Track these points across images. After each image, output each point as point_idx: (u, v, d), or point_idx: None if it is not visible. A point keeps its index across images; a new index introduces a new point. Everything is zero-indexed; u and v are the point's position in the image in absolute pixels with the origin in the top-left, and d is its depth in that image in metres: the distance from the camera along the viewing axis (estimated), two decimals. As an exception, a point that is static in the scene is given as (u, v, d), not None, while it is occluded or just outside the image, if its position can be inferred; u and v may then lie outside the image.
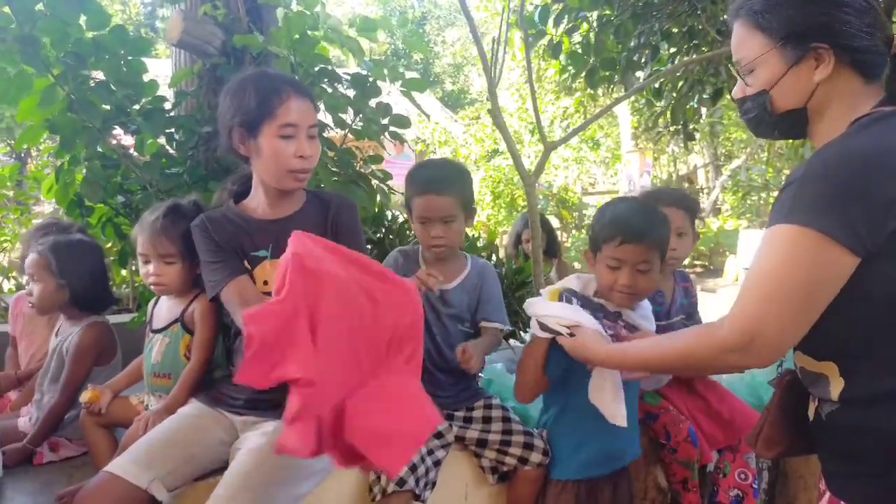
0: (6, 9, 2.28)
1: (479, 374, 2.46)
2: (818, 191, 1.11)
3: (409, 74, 2.93)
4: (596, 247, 1.86)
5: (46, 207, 6.86)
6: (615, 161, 13.62)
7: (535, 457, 2.02)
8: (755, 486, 2.28)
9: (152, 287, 2.00)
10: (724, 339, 1.17)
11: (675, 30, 4.36)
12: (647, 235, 1.79)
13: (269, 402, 1.84)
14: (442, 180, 2.01)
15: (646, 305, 2.00)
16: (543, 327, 1.73)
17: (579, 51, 4.54)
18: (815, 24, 1.22)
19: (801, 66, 1.23)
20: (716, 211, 12.49)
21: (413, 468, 1.85)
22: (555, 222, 10.67)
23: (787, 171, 10.47)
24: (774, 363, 1.22)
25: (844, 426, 1.18)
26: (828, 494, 1.20)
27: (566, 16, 4.30)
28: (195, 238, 1.86)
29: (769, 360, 1.17)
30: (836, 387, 1.17)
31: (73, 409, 2.12)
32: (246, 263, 1.84)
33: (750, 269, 1.18)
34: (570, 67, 4.74)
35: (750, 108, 1.32)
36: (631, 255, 1.79)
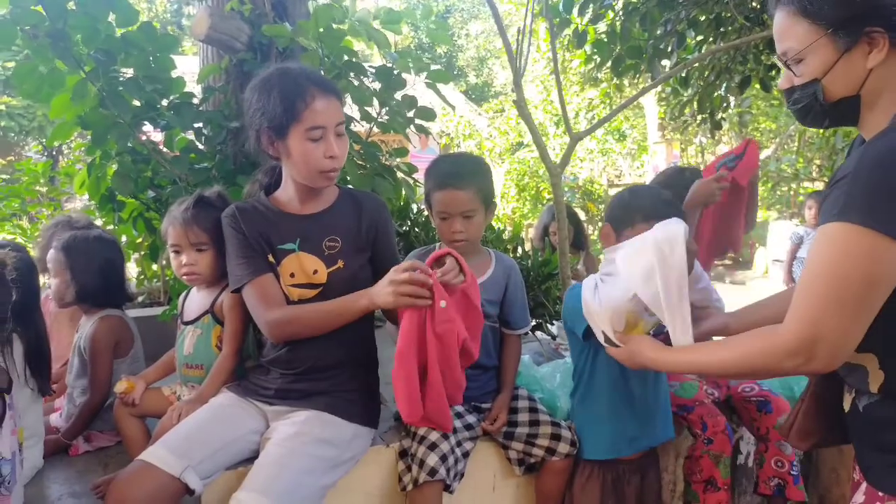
0: (38, 7, 2.32)
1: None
2: (872, 186, 1.07)
3: (433, 67, 2.91)
4: (627, 224, 1.85)
5: (78, 203, 6.98)
6: (641, 152, 13.48)
7: (563, 447, 2.01)
8: (794, 472, 2.24)
9: (185, 279, 2.03)
10: (785, 345, 1.15)
11: (701, 17, 4.29)
12: (676, 212, 1.79)
13: (299, 392, 1.86)
14: (461, 174, 1.99)
15: (704, 278, 1.98)
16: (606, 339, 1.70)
17: (605, 39, 4.50)
18: (868, 6, 1.16)
19: (855, 51, 1.18)
20: (744, 202, 12.31)
21: (444, 458, 1.86)
22: (581, 215, 10.61)
23: (818, 162, 10.28)
24: (838, 367, 1.18)
25: (883, 418, 1.16)
26: (864, 484, 1.19)
27: (591, 4, 4.26)
28: (225, 228, 1.89)
29: (833, 364, 1.15)
30: (876, 379, 1.16)
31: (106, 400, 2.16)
32: (271, 257, 1.86)
33: (805, 270, 1.16)
34: (595, 57, 4.69)
35: (800, 98, 1.27)
36: None
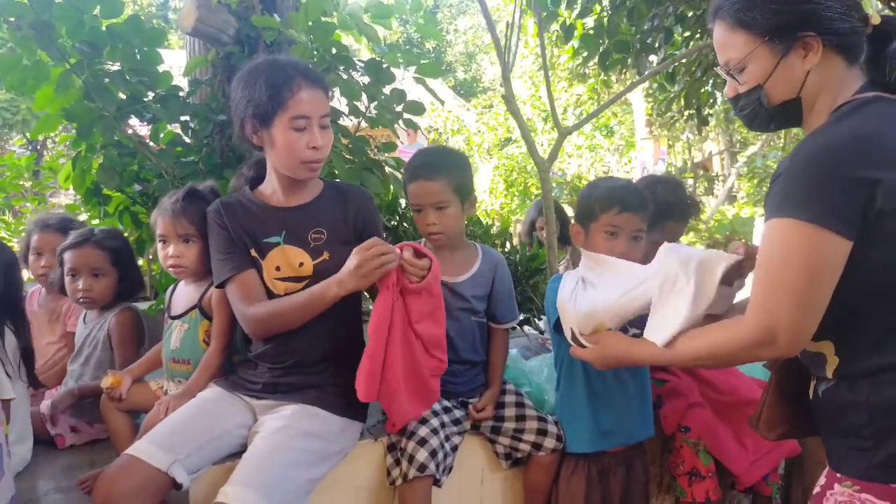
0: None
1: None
2: (804, 181, 1.15)
3: (423, 61, 2.91)
4: (591, 218, 1.92)
5: (63, 198, 6.93)
6: (629, 148, 13.51)
7: (549, 442, 2.02)
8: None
9: (171, 270, 2.03)
10: (746, 335, 1.22)
11: (689, 13, 4.31)
12: (642, 207, 1.91)
13: (287, 386, 1.86)
14: (431, 165, 1.99)
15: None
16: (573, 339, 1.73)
17: (592, 34, 4.50)
18: (799, 14, 1.24)
19: (791, 56, 1.26)
20: (731, 198, 12.38)
21: (433, 454, 1.86)
22: (568, 210, 10.63)
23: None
24: (800, 350, 1.25)
25: (838, 402, 1.21)
26: (827, 468, 1.23)
27: (578, -1, 4.27)
28: (209, 224, 1.90)
29: (794, 349, 1.22)
30: (832, 364, 1.22)
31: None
32: (255, 252, 1.86)
33: (757, 265, 1.23)
34: (582, 51, 4.70)
35: (745, 105, 1.34)
36: (627, 224, 1.88)
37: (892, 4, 3.98)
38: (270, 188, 1.92)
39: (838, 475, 1.19)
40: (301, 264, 1.85)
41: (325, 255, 1.86)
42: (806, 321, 1.17)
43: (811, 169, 1.15)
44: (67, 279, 2.18)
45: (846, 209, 1.11)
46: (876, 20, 1.25)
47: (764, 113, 1.33)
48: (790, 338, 1.18)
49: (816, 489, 1.23)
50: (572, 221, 2.02)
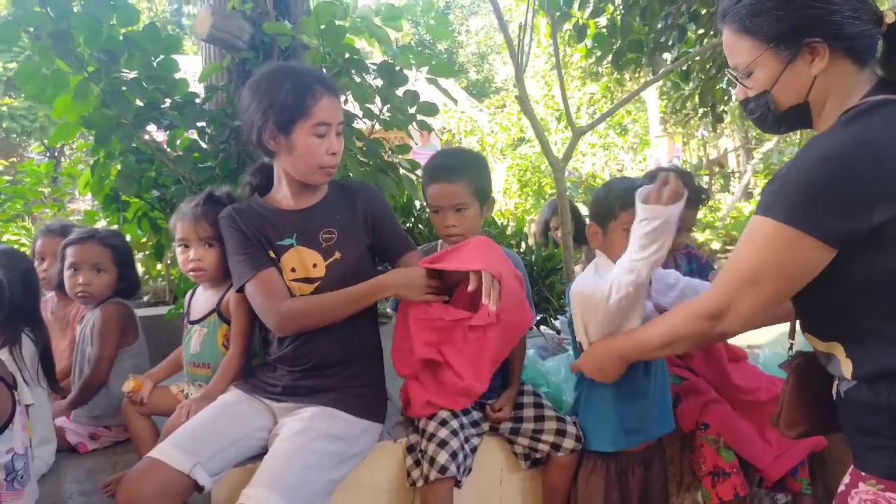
0: (39, 8, 2.32)
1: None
2: (797, 189, 1.16)
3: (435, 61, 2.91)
4: (610, 217, 1.90)
5: (82, 204, 7.00)
6: (643, 146, 13.45)
7: (568, 443, 2.01)
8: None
9: (191, 275, 2.04)
10: (702, 308, 1.34)
11: (702, 10, 4.28)
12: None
13: (307, 389, 1.87)
14: (451, 167, 2.00)
15: (677, 285, 2.00)
16: None
17: (605, 33, 4.49)
18: (804, 19, 1.23)
19: (798, 61, 1.25)
20: (748, 195, 12.28)
21: (454, 455, 1.86)
22: (583, 209, 10.59)
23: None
24: (738, 334, 1.38)
25: (860, 402, 1.21)
26: (852, 466, 1.23)
27: (591, -1, 4.26)
28: (223, 229, 1.91)
29: (736, 330, 1.34)
30: (847, 366, 1.22)
31: (112, 397, 2.17)
32: (272, 253, 1.87)
33: (733, 252, 1.29)
34: (595, 51, 4.69)
35: (754, 109, 1.35)
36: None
37: None
38: (281, 193, 1.94)
39: (863, 474, 1.18)
40: (314, 265, 1.86)
41: (337, 255, 1.87)
42: (757, 312, 1.27)
43: (809, 177, 1.16)
44: (68, 273, 2.19)
45: (836, 217, 1.13)
46: (890, 19, 1.23)
47: (772, 117, 1.33)
48: (737, 321, 1.28)
49: (841, 487, 1.23)
50: (588, 221, 2.00)
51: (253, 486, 1.60)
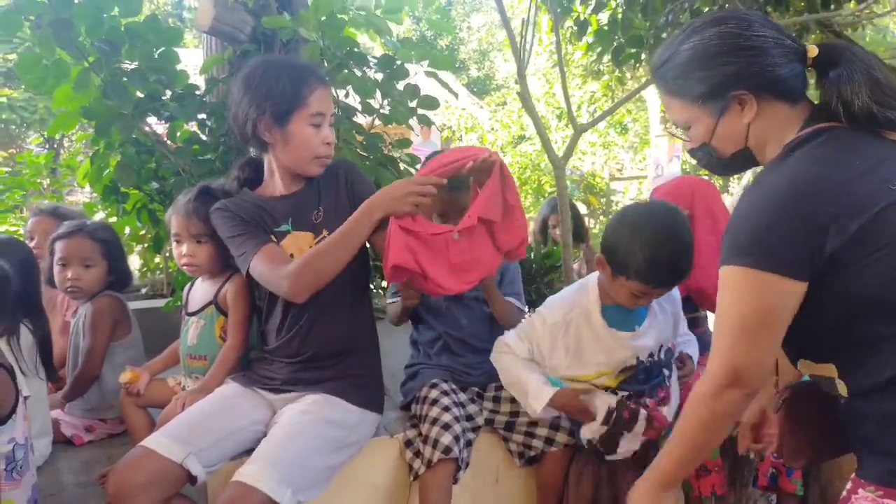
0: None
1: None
2: (750, 229, 1.18)
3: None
4: (621, 271, 1.76)
5: (80, 195, 6.98)
6: (644, 146, 13.44)
7: (562, 437, 2.03)
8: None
9: (185, 268, 2.04)
10: (714, 383, 1.25)
11: (704, 8, 4.28)
12: (679, 282, 1.82)
13: (306, 381, 1.88)
14: (460, 179, 2.01)
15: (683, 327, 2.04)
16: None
17: (606, 29, 4.48)
18: (725, 75, 1.25)
19: (729, 113, 1.28)
20: (746, 195, 12.29)
21: (457, 438, 1.88)
22: (582, 208, 10.57)
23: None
24: (766, 384, 1.35)
25: (857, 413, 1.22)
26: (854, 474, 1.23)
27: (593, -6, 4.25)
28: (215, 221, 1.89)
29: (759, 385, 1.27)
30: (841, 384, 1.23)
31: (106, 389, 2.16)
32: (273, 238, 1.87)
33: (715, 315, 1.28)
34: (596, 47, 4.68)
35: (700, 158, 1.38)
36: (658, 293, 1.83)
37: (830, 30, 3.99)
38: (272, 185, 1.94)
39: (862, 480, 1.19)
40: (311, 247, 1.87)
41: (325, 233, 1.87)
42: (764, 357, 1.23)
43: (753, 217, 1.18)
44: (57, 268, 2.16)
45: (793, 252, 1.14)
46: (813, 52, 1.26)
47: (717, 163, 1.36)
48: (753, 375, 1.23)
49: (843, 493, 1.23)
50: (597, 251, 1.91)
51: (250, 464, 1.59)
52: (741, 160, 1.34)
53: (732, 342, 1.23)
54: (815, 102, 1.29)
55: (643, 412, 1.88)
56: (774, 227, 1.15)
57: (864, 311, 1.15)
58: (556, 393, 1.87)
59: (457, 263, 1.75)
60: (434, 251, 1.73)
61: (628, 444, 1.91)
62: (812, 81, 1.30)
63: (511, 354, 1.95)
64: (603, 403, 1.88)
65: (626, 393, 1.90)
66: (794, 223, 1.14)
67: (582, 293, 1.93)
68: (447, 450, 1.85)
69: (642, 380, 1.91)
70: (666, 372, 1.97)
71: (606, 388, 1.91)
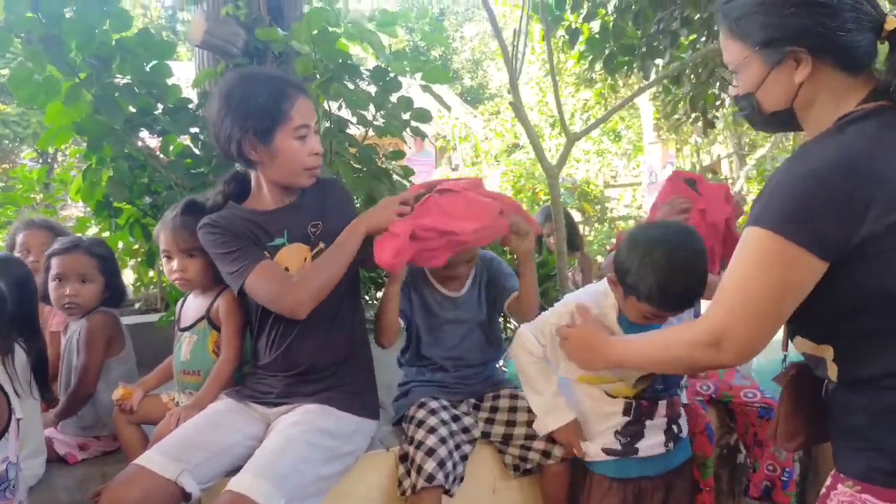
0: (31, 14, 2.31)
1: (504, 368, 2.46)
2: (789, 197, 1.15)
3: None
4: (633, 292, 1.69)
5: (74, 210, 6.97)
6: (637, 153, 13.48)
7: (559, 450, 2.00)
8: (784, 478, 2.23)
9: (176, 283, 2.03)
10: (697, 336, 1.25)
11: (695, 16, 4.30)
12: (691, 305, 1.77)
13: (300, 394, 1.87)
14: None
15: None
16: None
17: (597, 37, 4.50)
18: (789, 28, 1.21)
19: (782, 68, 1.24)
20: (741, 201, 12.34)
21: (441, 464, 1.85)
22: (576, 216, 10.59)
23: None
24: (744, 363, 1.30)
25: (843, 403, 1.22)
26: (833, 470, 1.23)
27: (585, 2, 4.26)
28: (203, 237, 1.86)
29: (738, 359, 1.25)
30: (832, 370, 1.22)
31: (100, 407, 2.15)
32: (266, 254, 1.85)
33: (727, 269, 1.23)
34: (588, 55, 4.70)
35: (743, 107, 1.35)
36: (670, 315, 1.77)
37: None
38: (261, 199, 1.92)
39: (841, 475, 1.19)
40: (305, 260, 1.86)
41: (321, 246, 1.87)
42: (758, 333, 1.19)
43: (796, 187, 1.14)
44: (53, 284, 2.13)
45: (826, 231, 1.11)
46: (892, 24, 1.20)
47: (758, 117, 1.33)
48: (737, 348, 1.20)
49: (823, 490, 1.23)
50: (592, 259, 1.92)
51: (242, 473, 1.58)
52: (782, 120, 1.31)
53: (732, 305, 1.20)
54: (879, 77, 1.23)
55: (662, 401, 1.88)
56: (816, 201, 1.12)
57: (875, 303, 1.13)
58: (570, 422, 1.91)
59: (450, 211, 1.82)
60: (424, 209, 1.84)
61: (653, 438, 1.87)
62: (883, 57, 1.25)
63: (527, 352, 1.91)
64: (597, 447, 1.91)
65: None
66: (837, 201, 1.10)
67: (603, 296, 1.86)
68: (430, 478, 1.83)
69: (660, 390, 1.88)
70: (683, 381, 1.96)
71: (625, 398, 1.87)
